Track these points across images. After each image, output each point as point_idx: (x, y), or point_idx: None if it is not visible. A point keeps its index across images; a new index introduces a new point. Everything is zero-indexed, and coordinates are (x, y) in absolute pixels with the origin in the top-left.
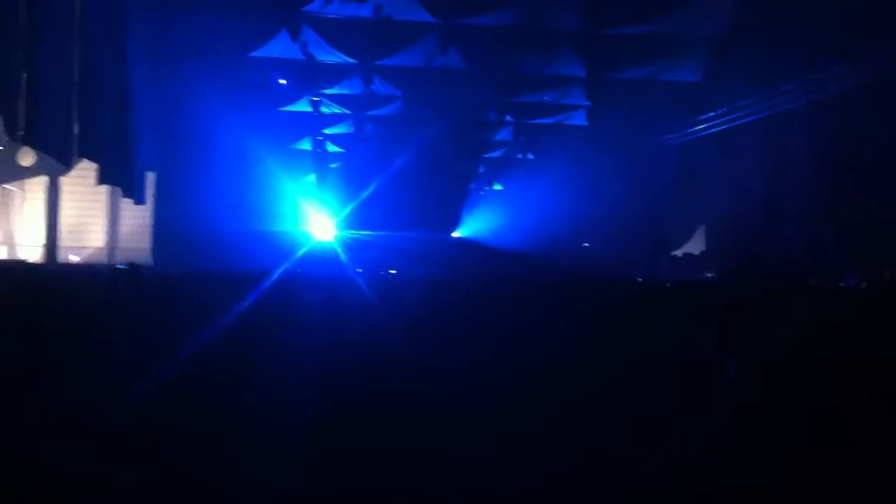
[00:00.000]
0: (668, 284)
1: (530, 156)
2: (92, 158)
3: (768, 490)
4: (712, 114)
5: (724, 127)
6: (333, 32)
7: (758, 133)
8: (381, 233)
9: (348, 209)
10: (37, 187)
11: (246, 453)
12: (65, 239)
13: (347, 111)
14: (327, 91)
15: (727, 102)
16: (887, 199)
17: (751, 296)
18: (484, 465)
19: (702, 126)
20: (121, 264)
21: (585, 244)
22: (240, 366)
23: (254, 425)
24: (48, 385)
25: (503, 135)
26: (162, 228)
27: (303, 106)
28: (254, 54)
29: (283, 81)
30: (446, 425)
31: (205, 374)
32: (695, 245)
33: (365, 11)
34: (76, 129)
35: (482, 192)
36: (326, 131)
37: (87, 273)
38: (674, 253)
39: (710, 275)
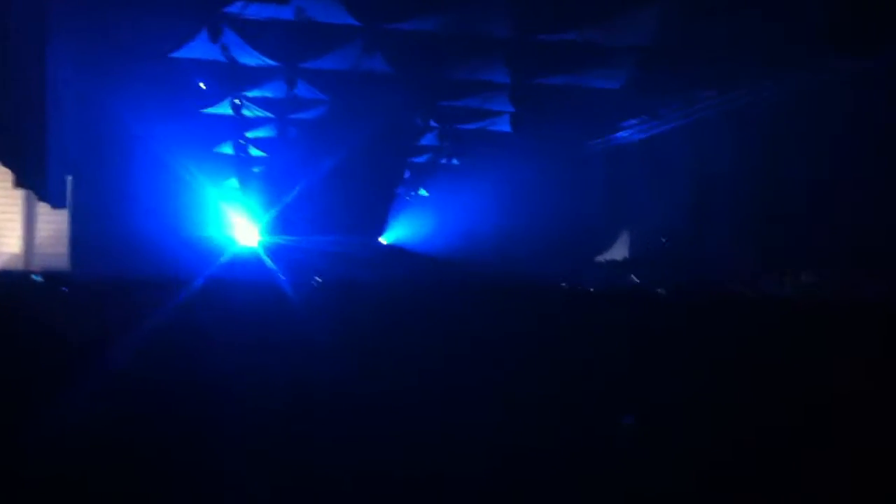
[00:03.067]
0: (592, 290)
1: (455, 161)
2: (6, 163)
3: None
4: (635, 121)
5: (647, 134)
6: (255, 34)
7: (681, 140)
8: (306, 238)
9: (272, 214)
10: None
11: (170, 468)
12: None
13: (271, 115)
14: (250, 94)
15: (649, 110)
16: (807, 204)
17: (669, 303)
18: (422, 476)
19: (625, 133)
20: (36, 275)
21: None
22: (161, 377)
23: (179, 439)
24: None
25: (429, 140)
26: (80, 234)
27: (224, 108)
28: (174, 55)
29: (202, 86)
30: (374, 436)
31: (124, 388)
32: (619, 251)
33: (287, 14)
34: None
35: (408, 198)
36: (249, 135)
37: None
38: (598, 259)
39: (635, 281)
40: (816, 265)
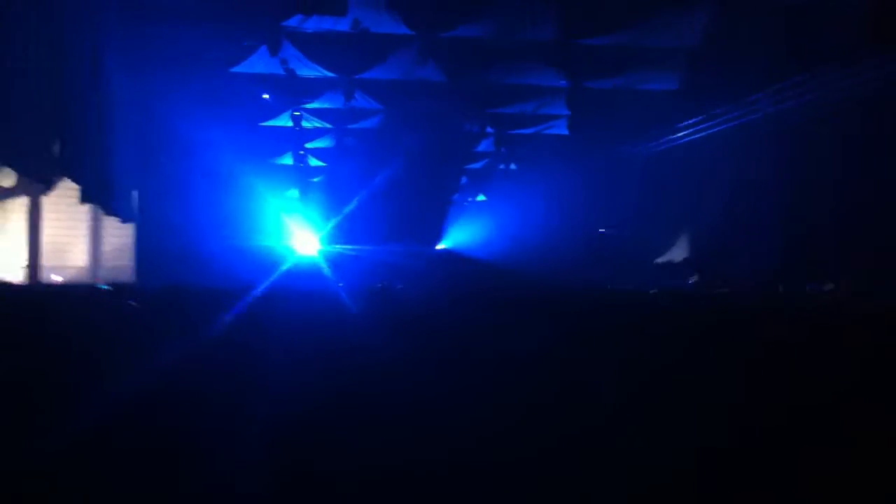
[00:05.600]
0: (653, 292)
1: (513, 166)
2: (73, 178)
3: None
4: (692, 121)
5: (702, 135)
6: (313, 47)
7: (733, 142)
8: (364, 246)
9: (331, 223)
10: (19, 207)
11: (229, 471)
12: (47, 258)
13: (329, 125)
14: (308, 105)
15: (705, 111)
16: (852, 210)
17: (731, 305)
18: (473, 483)
19: (682, 133)
20: (103, 285)
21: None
22: (225, 383)
23: (239, 442)
24: (32, 406)
25: (485, 146)
26: (144, 246)
27: (284, 121)
28: (235, 70)
29: (266, 97)
30: (436, 442)
31: (190, 394)
32: (677, 253)
33: (343, 26)
34: (56, 148)
35: (465, 204)
36: (308, 145)
37: (71, 293)
38: (656, 261)
39: (692, 282)
40: (861, 272)
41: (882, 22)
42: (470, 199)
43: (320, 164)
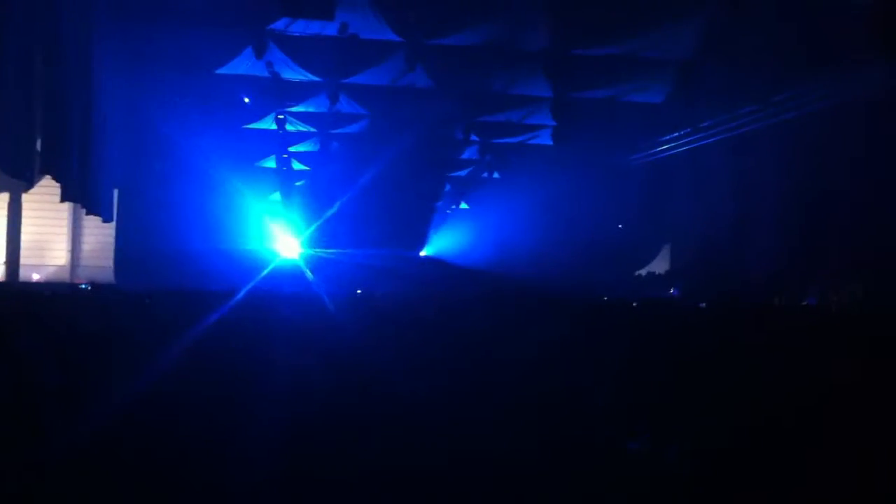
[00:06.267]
0: (635, 304)
1: (496, 175)
2: (54, 176)
3: None
4: (676, 134)
5: (687, 147)
6: (299, 50)
7: (721, 154)
8: (346, 251)
9: (314, 227)
10: None
11: (215, 476)
12: (26, 256)
13: (313, 129)
14: (293, 109)
15: (690, 123)
16: (848, 220)
17: (715, 315)
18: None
19: (665, 147)
20: (83, 284)
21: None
22: (207, 387)
23: (224, 447)
24: (6, 406)
25: (469, 153)
26: (125, 246)
27: (268, 123)
28: (220, 71)
29: (246, 100)
30: (420, 444)
31: (170, 398)
32: (660, 264)
33: (331, 30)
34: (38, 145)
35: (449, 211)
36: (292, 149)
37: (49, 292)
38: (638, 272)
39: (673, 293)
40: (858, 277)
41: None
42: (453, 207)
43: (304, 167)
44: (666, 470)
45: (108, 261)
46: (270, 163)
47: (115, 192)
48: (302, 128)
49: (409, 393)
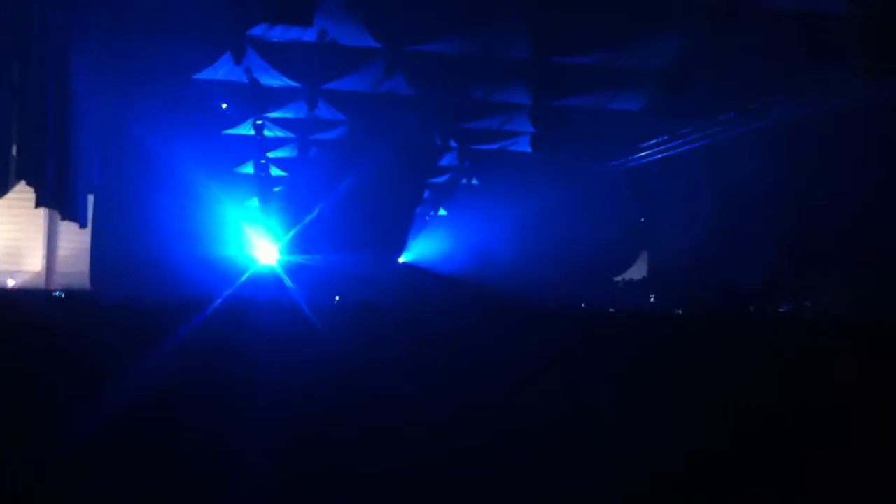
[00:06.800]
0: (611, 311)
1: (475, 181)
2: (29, 181)
3: None
4: (654, 141)
5: (665, 154)
6: (278, 56)
7: (701, 160)
8: (325, 256)
9: (293, 233)
10: None
11: (192, 489)
12: (1, 262)
13: (292, 135)
14: (271, 115)
15: (669, 130)
16: (829, 226)
17: (692, 324)
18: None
19: (644, 153)
20: (58, 291)
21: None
22: (183, 398)
23: (202, 458)
24: None
25: (448, 160)
26: (101, 252)
27: (246, 129)
28: (197, 77)
29: (224, 106)
30: (400, 453)
31: (146, 408)
32: (638, 271)
33: (310, 36)
34: (14, 150)
35: (427, 217)
36: (270, 155)
37: (24, 300)
38: (616, 279)
39: (651, 300)
40: (837, 285)
41: (873, 50)
42: (432, 213)
43: (282, 173)
44: (648, 480)
45: (84, 267)
46: (248, 168)
47: (91, 198)
48: (280, 133)
49: (389, 402)
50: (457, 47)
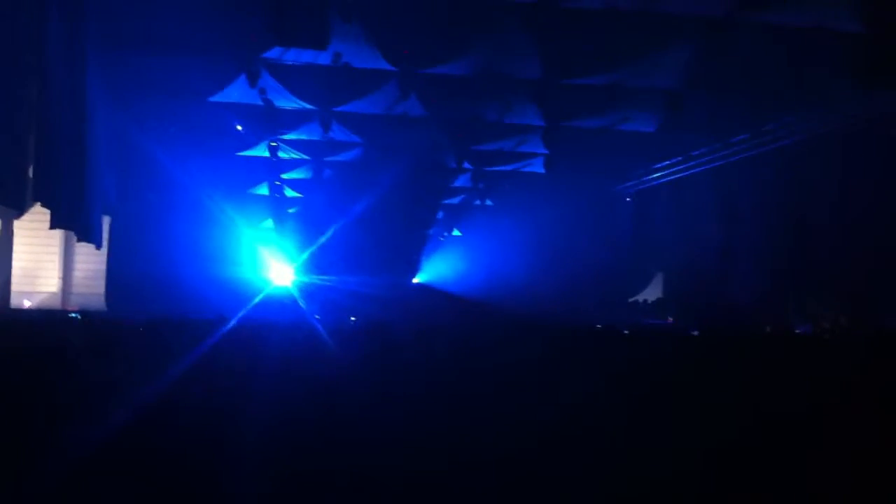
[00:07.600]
0: (626, 331)
1: (489, 202)
2: (45, 203)
3: None
4: (668, 162)
5: (678, 176)
6: (293, 79)
7: (712, 182)
8: (340, 278)
9: (307, 254)
10: None
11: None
12: (17, 283)
13: (306, 157)
14: (286, 136)
15: (681, 152)
16: (835, 248)
17: (708, 343)
18: None
19: (657, 174)
20: (73, 312)
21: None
22: (198, 417)
23: (215, 478)
24: None
25: (462, 181)
26: (116, 273)
27: (261, 151)
28: (212, 99)
29: (239, 128)
30: (413, 475)
31: (161, 428)
32: (651, 292)
33: (324, 59)
34: (30, 172)
35: (441, 238)
36: (284, 176)
37: (40, 320)
38: (630, 300)
39: (668, 321)
40: (845, 306)
41: (869, 64)
42: (446, 234)
43: (296, 194)
44: (651, 493)
45: (100, 288)
46: (263, 190)
47: (106, 220)
48: (295, 155)
49: (400, 422)
50: (470, 69)
